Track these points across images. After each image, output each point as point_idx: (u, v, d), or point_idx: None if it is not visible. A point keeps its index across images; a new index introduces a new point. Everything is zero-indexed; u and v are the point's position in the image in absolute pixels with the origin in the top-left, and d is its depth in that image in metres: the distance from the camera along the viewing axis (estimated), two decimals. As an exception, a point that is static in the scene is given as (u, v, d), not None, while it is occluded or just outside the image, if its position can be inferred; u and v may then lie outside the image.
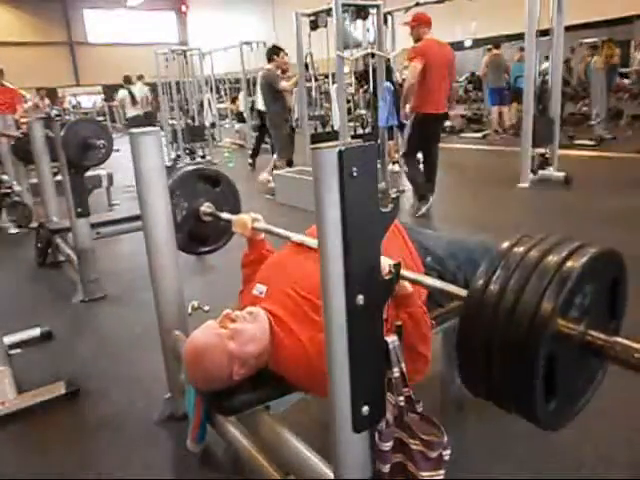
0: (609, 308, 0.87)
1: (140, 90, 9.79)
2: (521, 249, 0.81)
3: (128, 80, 9.86)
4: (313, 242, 1.42)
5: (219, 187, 2.01)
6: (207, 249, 2.07)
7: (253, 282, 1.62)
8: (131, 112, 9.54)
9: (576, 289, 0.76)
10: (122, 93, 9.82)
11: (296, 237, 1.53)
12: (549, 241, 0.81)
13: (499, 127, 9.46)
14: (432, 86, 4.50)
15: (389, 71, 6.82)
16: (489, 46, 9.23)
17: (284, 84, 6.04)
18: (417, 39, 4.64)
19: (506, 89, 9.26)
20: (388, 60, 6.72)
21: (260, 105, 7.18)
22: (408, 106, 4.67)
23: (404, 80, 10.20)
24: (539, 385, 0.75)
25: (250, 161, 7.84)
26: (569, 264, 0.76)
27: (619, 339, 0.78)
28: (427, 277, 1.09)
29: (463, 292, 0.94)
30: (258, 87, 7.25)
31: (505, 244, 0.84)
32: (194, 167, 1.99)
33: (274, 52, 6.20)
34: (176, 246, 1.79)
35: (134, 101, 9.54)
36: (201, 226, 1.96)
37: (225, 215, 1.89)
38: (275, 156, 6.35)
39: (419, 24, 4.63)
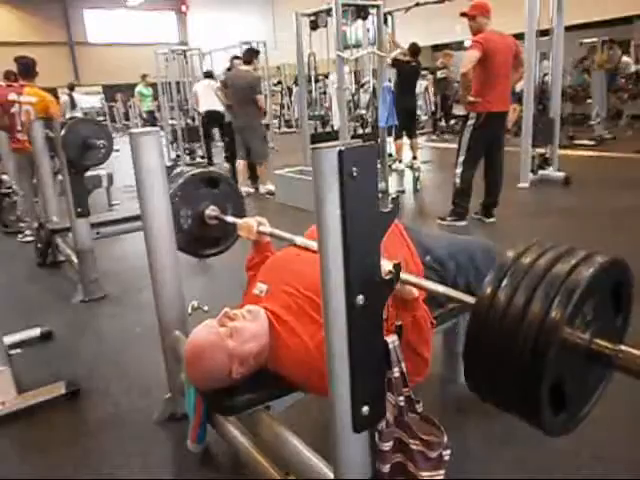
0: (615, 316, 0.87)
1: (82, 98, 11.77)
2: (528, 259, 0.81)
3: (72, 87, 11.58)
4: (315, 245, 1.41)
5: (220, 189, 2.01)
6: (214, 251, 2.09)
7: (255, 280, 1.63)
8: (68, 114, 10.30)
9: (583, 299, 0.76)
10: (64, 98, 11.31)
11: (300, 240, 1.53)
12: (557, 250, 0.82)
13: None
14: (495, 79, 3.99)
15: (416, 72, 6.88)
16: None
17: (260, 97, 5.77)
18: (477, 31, 4.07)
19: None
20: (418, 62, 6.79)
21: (217, 106, 6.85)
22: (470, 97, 4.05)
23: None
24: (545, 395, 0.76)
25: (227, 166, 6.92)
26: (576, 274, 0.76)
27: (623, 347, 0.79)
28: (431, 282, 1.09)
29: (468, 298, 0.95)
30: (209, 87, 7.07)
31: (512, 252, 0.84)
32: (196, 171, 1.98)
33: (254, 53, 6.09)
34: (176, 246, 1.79)
35: (73, 105, 11.00)
36: (206, 229, 1.97)
37: (230, 218, 1.90)
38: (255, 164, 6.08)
39: (479, 13, 4.07)
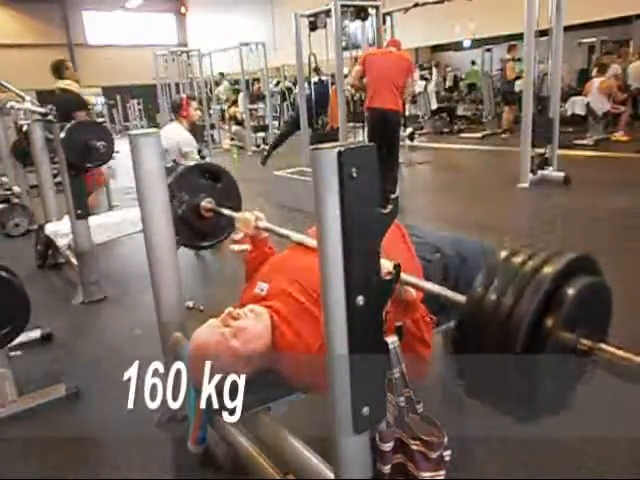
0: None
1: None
2: (515, 261, 0.84)
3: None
4: (313, 242, 1.41)
5: (220, 183, 1.98)
6: (207, 244, 2.07)
7: (255, 280, 1.63)
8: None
9: (552, 292, 0.78)
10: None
11: (296, 236, 1.53)
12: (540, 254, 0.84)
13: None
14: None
15: None
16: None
17: None
18: None
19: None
20: None
21: None
22: None
23: None
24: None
25: None
26: (544, 269, 0.79)
27: (603, 345, 0.81)
28: (429, 282, 1.10)
29: (460, 298, 0.96)
30: None
31: (501, 255, 0.87)
32: (196, 163, 1.96)
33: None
34: (176, 246, 1.79)
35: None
36: (202, 221, 1.95)
37: (227, 211, 1.87)
38: None
39: None
